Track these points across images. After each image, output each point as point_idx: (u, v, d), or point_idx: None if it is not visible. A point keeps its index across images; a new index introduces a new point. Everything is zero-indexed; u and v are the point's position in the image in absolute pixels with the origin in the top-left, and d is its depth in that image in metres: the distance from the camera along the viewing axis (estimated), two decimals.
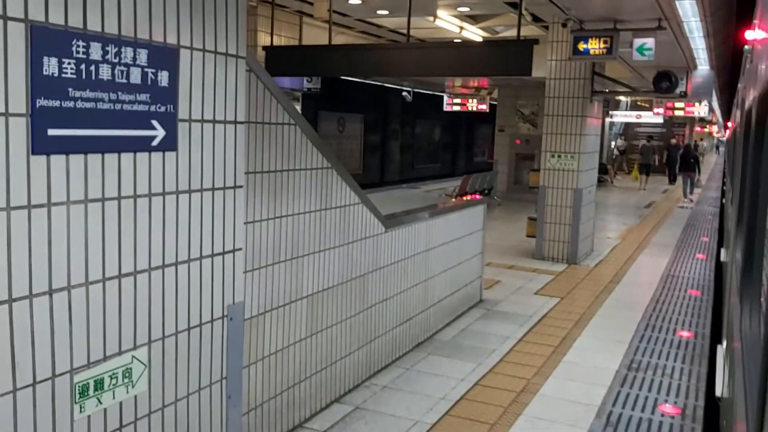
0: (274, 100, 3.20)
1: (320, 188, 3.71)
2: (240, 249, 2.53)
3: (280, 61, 8.87)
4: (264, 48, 8.89)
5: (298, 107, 10.84)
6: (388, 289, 4.72)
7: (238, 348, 2.61)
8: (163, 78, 2.08)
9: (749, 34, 3.65)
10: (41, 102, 1.73)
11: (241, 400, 2.71)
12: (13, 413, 1.78)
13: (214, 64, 2.28)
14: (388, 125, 23.49)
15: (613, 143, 26.17)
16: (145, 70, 2.01)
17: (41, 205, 1.78)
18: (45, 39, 1.71)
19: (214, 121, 2.31)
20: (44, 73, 1.72)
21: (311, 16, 9.78)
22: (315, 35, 10.46)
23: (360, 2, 8.96)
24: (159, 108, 2.07)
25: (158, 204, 2.14)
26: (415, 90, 20.45)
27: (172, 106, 2.12)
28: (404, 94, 19.57)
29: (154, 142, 2.08)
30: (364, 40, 11.65)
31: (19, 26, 1.66)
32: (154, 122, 2.07)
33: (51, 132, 1.76)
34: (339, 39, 10.92)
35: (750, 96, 3.17)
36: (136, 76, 1.98)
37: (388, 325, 4.78)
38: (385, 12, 9.58)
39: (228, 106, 2.36)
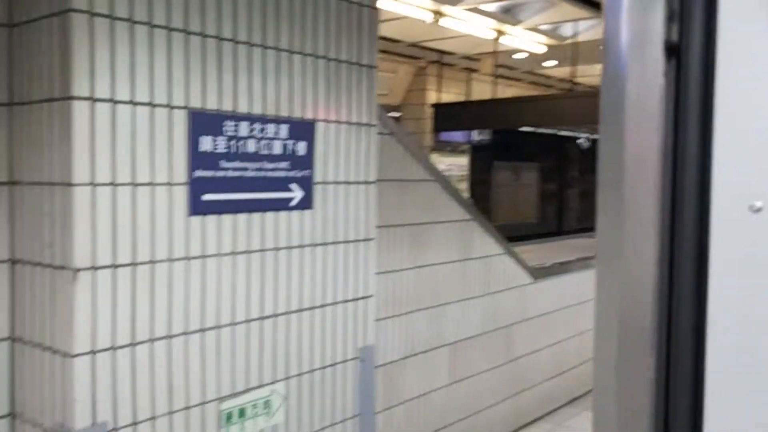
0: (413, 159, 3.47)
1: (461, 239, 3.89)
2: (371, 296, 2.78)
3: (447, 116, 9.26)
4: (432, 105, 9.34)
5: (466, 159, 11.12)
6: (537, 340, 4.73)
7: (370, 388, 2.83)
8: (301, 148, 2.41)
9: None
10: (198, 173, 2.12)
11: None
12: None
13: (348, 132, 2.59)
14: (564, 173, 23.03)
15: None
16: (286, 142, 2.36)
17: (197, 257, 2.16)
18: (202, 122, 2.11)
19: (347, 183, 2.61)
20: (200, 149, 2.12)
21: (478, 71, 10.10)
22: (484, 89, 10.75)
23: (525, 56, 9.12)
24: (297, 173, 2.41)
25: (296, 255, 2.46)
26: (593, 137, 19.96)
27: (309, 171, 2.45)
28: (580, 141, 19.19)
29: (293, 203, 2.41)
30: (535, 91, 11.75)
31: (181, 113, 2.07)
32: (293, 185, 2.40)
33: (205, 197, 2.15)
34: (508, 92, 11.12)
35: None
36: (277, 148, 2.34)
37: (537, 378, 4.77)
38: (553, 63, 9.64)
39: (360, 168, 2.65)
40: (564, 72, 10.39)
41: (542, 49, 8.57)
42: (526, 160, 20.97)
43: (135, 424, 2.05)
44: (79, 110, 1.85)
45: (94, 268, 1.92)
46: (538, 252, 7.71)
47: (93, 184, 1.90)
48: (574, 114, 7.69)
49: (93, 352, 1.94)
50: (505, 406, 4.45)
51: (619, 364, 0.71)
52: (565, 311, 5.01)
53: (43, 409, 2.00)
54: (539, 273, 4.67)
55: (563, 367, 5.06)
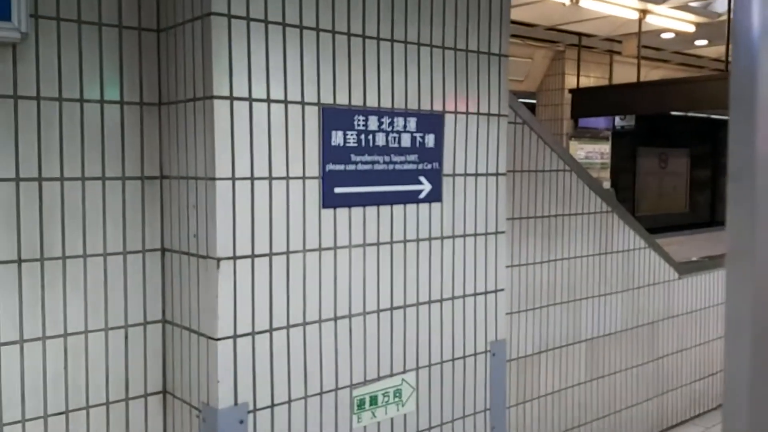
0: (548, 148, 3.36)
1: (599, 232, 3.73)
2: (502, 290, 2.73)
3: (588, 101, 8.90)
4: (570, 91, 9.02)
5: (608, 146, 10.64)
6: (684, 339, 4.45)
7: (501, 382, 2.79)
8: (430, 140, 2.41)
9: None
10: (330, 167, 2.18)
11: None
12: (304, 416, 2.23)
13: (477, 123, 2.56)
14: (718, 159, 21.45)
15: None
16: (414, 134, 2.37)
17: (329, 248, 2.23)
18: (333, 117, 2.17)
19: (476, 174, 2.57)
20: (332, 143, 2.17)
21: (621, 53, 9.61)
22: (628, 73, 10.22)
23: (673, 35, 8.56)
24: (426, 166, 2.41)
25: (425, 248, 2.46)
26: None
27: (437, 164, 2.45)
28: None
29: (421, 195, 2.42)
30: (684, 73, 11.01)
31: (313, 109, 2.13)
32: (422, 178, 2.41)
33: (337, 190, 2.20)
34: (654, 74, 10.49)
35: None
36: (406, 141, 2.35)
37: (684, 379, 4.49)
38: (704, 42, 8.98)
39: (490, 159, 2.61)
40: (717, 51, 9.63)
41: (691, 28, 7.99)
42: (674, 146, 19.74)
43: (272, 406, 2.15)
44: (220, 109, 1.96)
45: (235, 257, 2.03)
46: (686, 244, 7.25)
47: (233, 179, 2.00)
48: (727, 96, 7.12)
49: (234, 337, 2.05)
50: (647, 407, 4.23)
51: (753, 378, 0.64)
52: (715, 309, 4.68)
53: (190, 388, 2.16)
54: (686, 268, 4.39)
55: (713, 369, 4.73)
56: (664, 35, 8.61)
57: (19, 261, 1.98)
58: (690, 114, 17.55)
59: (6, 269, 1.96)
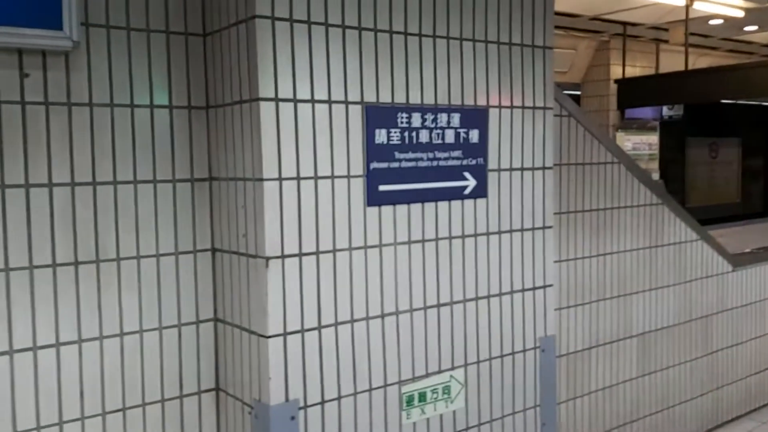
0: (595, 141, 3.31)
1: (650, 225, 3.66)
2: (551, 285, 2.70)
3: (633, 92, 8.73)
4: (615, 81, 8.85)
5: (656, 137, 10.40)
6: (739, 333, 4.33)
7: (551, 379, 2.76)
8: (474, 135, 2.40)
9: None
10: (374, 165, 2.18)
11: (557, 429, 2.85)
12: (354, 413, 2.24)
13: (522, 117, 2.53)
14: None
15: None
16: (458, 130, 2.36)
17: (375, 246, 2.24)
18: (376, 115, 2.17)
19: (522, 169, 2.55)
20: (376, 141, 2.18)
21: (668, 42, 9.40)
22: (675, 61, 9.97)
23: (722, 22, 8.33)
24: (470, 162, 2.40)
25: (470, 244, 2.45)
26: None
27: (482, 159, 2.43)
28: None
29: (466, 191, 2.41)
30: (733, 60, 10.69)
31: (357, 108, 2.14)
32: (466, 174, 2.40)
33: (381, 188, 2.21)
34: (702, 62, 10.23)
35: None
36: (450, 137, 2.34)
37: (739, 373, 4.37)
38: (754, 27, 8.71)
39: (536, 153, 2.58)
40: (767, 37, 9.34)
41: (740, 13, 7.75)
42: (724, 135, 19.17)
43: (323, 402, 2.18)
44: (266, 110, 1.98)
45: (283, 256, 2.05)
46: (740, 236, 7.05)
47: (280, 179, 2.03)
48: None
49: (284, 334, 2.08)
50: (702, 402, 4.14)
51: None
52: None
53: (243, 386, 2.19)
54: (740, 260, 4.27)
55: None
56: (713, 22, 8.38)
57: (76, 263, 2.04)
58: (740, 102, 17.04)
59: (64, 271, 2.03)
